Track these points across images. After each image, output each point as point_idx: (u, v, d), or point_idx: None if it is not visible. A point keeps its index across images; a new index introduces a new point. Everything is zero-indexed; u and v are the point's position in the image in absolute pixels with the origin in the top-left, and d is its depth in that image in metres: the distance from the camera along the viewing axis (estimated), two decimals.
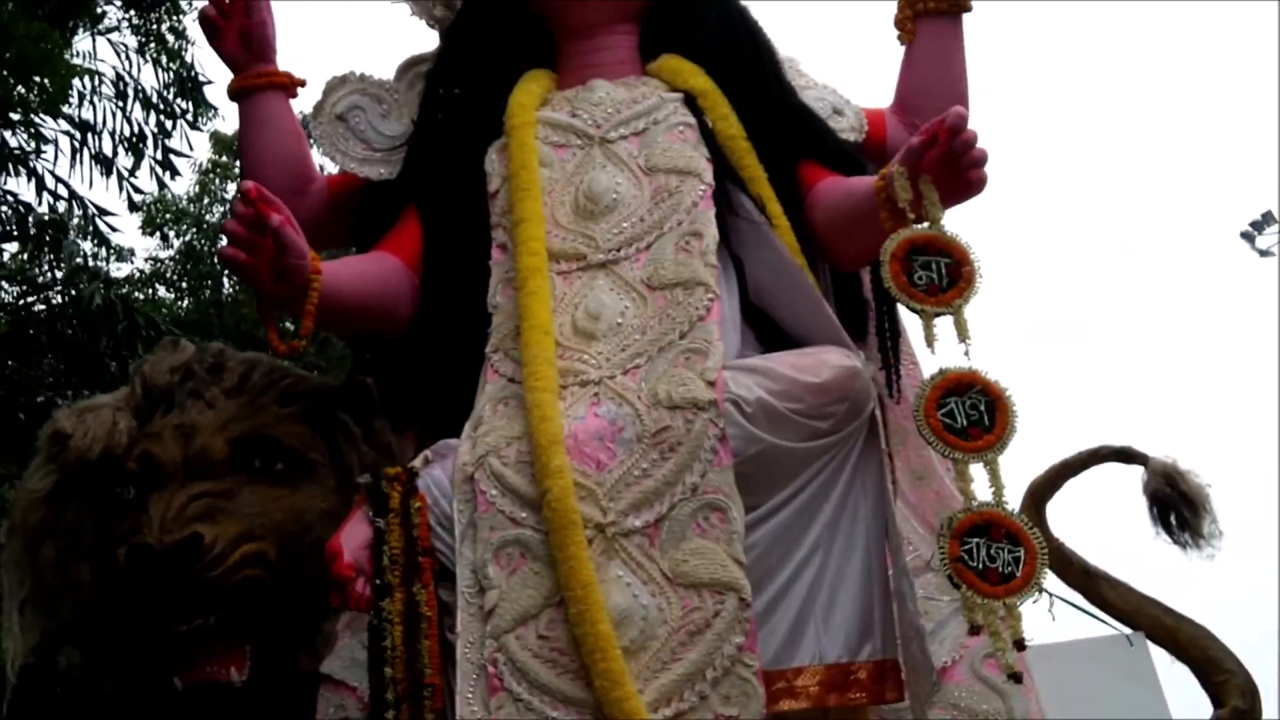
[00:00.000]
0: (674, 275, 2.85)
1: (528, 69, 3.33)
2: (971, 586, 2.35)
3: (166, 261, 15.77)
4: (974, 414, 2.47)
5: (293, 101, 3.45)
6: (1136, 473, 5.00)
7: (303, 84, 3.47)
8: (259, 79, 3.38)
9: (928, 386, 2.48)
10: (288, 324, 3.01)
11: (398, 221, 3.25)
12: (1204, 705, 4.86)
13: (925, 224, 2.62)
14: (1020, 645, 2.37)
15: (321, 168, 3.61)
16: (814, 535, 2.62)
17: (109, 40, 10.52)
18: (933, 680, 2.54)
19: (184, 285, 15.64)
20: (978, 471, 2.45)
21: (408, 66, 3.57)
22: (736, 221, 3.05)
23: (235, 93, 3.43)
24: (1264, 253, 20.32)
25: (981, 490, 2.43)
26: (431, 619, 2.58)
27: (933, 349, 2.54)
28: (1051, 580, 4.94)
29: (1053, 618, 5.18)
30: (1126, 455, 5.08)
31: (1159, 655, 5.20)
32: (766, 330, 2.98)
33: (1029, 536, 2.40)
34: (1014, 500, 2.46)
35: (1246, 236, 20.44)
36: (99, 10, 10.38)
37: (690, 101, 3.19)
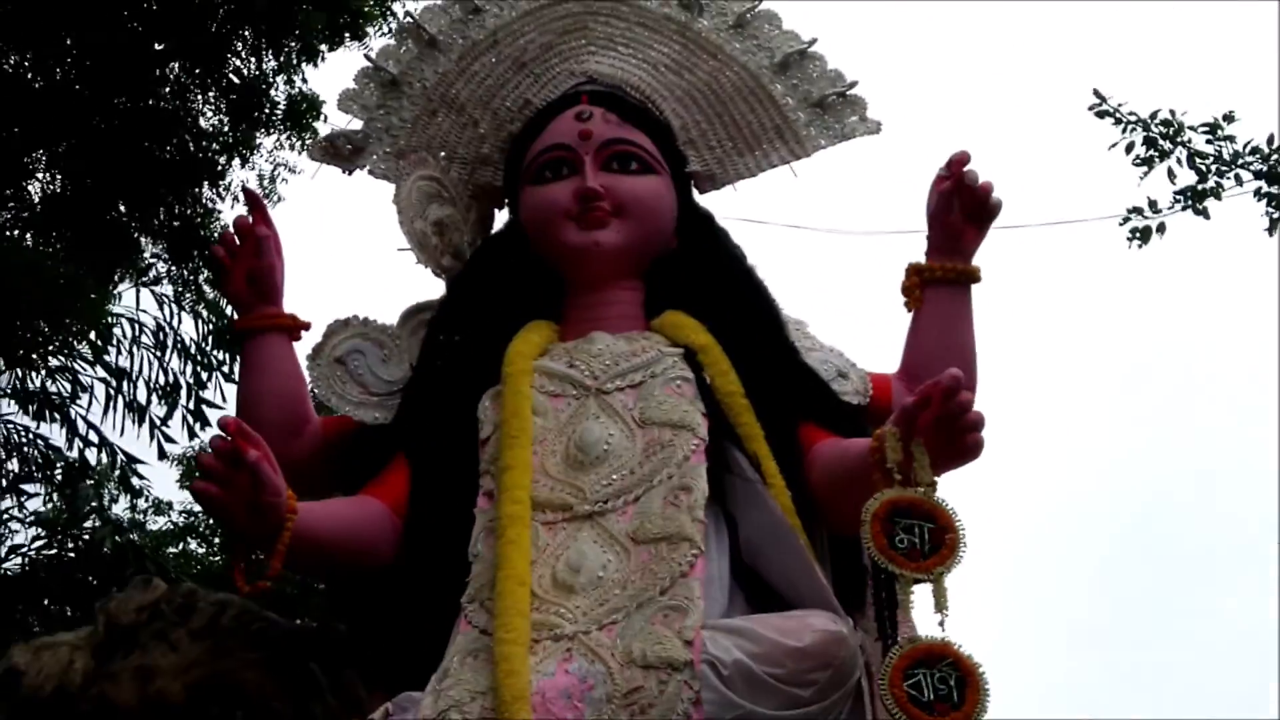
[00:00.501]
0: (660, 529, 2.77)
1: (531, 320, 3.32)
2: None
3: (199, 515, 15.71)
4: (943, 689, 2.34)
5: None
6: None
7: (307, 327, 3.48)
8: (263, 320, 3.38)
9: (895, 654, 2.36)
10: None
11: (386, 466, 3.19)
12: None
13: (915, 488, 2.53)
14: None
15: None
16: None
17: (151, 291, 10.75)
18: None
19: (216, 539, 15.55)
20: None
21: (411, 314, 3.59)
22: (731, 479, 2.98)
23: (239, 333, 3.43)
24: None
25: None
26: None
27: (906, 616, 2.43)
28: None
29: None
30: None
31: None
32: (757, 591, 2.86)
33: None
34: None
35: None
36: (144, 264, 10.65)
37: (690, 357, 3.17)
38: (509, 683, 2.48)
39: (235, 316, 3.50)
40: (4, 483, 9.32)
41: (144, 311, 10.65)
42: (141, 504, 11.27)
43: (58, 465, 9.91)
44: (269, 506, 2.62)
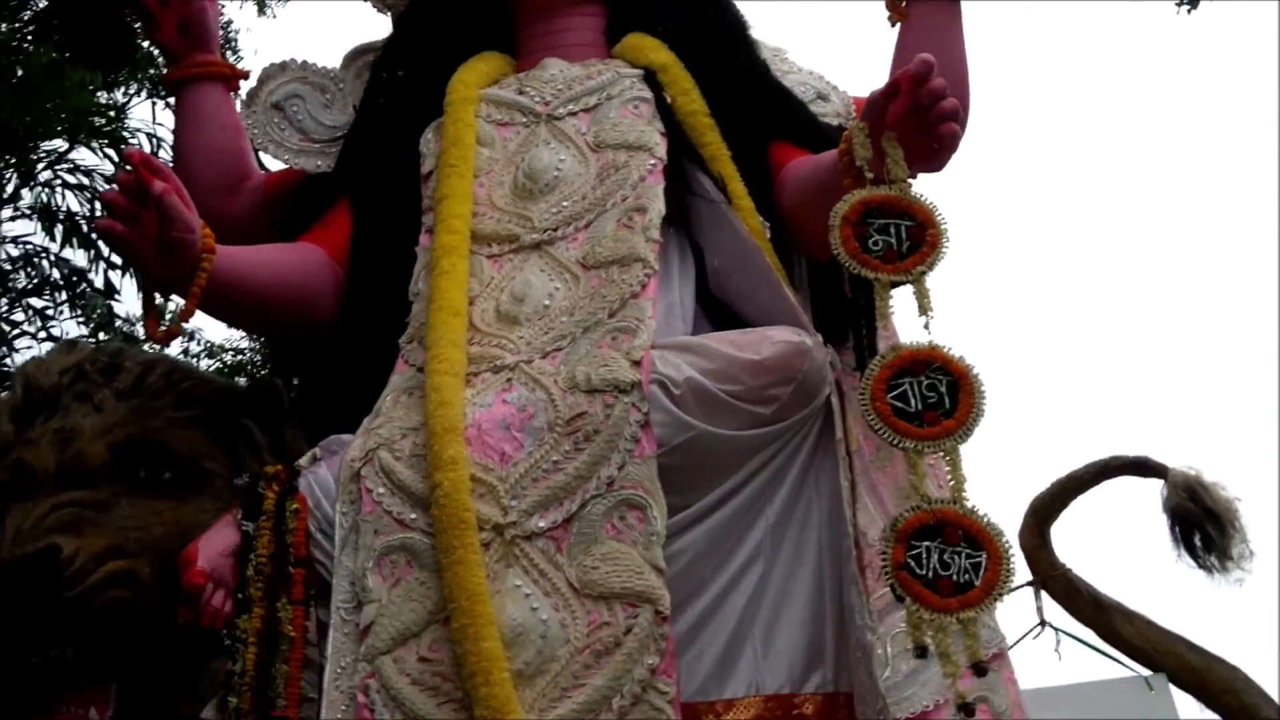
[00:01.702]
0: (611, 252, 2.49)
1: (481, 51, 3.00)
2: (918, 599, 1.91)
3: (251, 352, 15.35)
4: (931, 396, 2.05)
5: None
6: (1155, 487, 4.28)
7: (245, 75, 3.20)
8: (196, 69, 3.09)
9: (877, 364, 2.07)
10: None
11: (328, 212, 2.92)
12: None
13: (887, 185, 2.22)
14: (980, 670, 1.93)
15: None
16: (754, 542, 2.22)
17: (168, 104, 10.35)
18: (879, 711, 2.08)
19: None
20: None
21: (355, 55, 3.28)
22: (695, 202, 2.69)
23: (171, 84, 3.14)
24: None
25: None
26: (295, 640, 2.19)
27: (884, 323, 2.15)
28: (1058, 614, 4.25)
29: (1059, 657, 4.38)
30: (1142, 467, 4.35)
31: (1183, 701, 4.24)
32: (726, 325, 2.58)
33: (993, 538, 1.96)
34: (983, 499, 2.02)
35: None
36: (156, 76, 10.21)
37: (650, 77, 2.84)
38: (440, 414, 2.24)
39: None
40: (11, 295, 9.06)
41: (161, 125, 10.22)
42: (194, 348, 10.91)
43: (80, 286, 9.63)
44: (180, 244, 2.34)
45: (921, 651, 1.90)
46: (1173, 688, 4.19)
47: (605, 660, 2.05)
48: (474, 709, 1.99)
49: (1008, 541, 1.98)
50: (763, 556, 2.22)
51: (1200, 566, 4.15)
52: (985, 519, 1.98)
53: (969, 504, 1.99)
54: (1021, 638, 4.31)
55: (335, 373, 2.75)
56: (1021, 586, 4.35)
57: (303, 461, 2.42)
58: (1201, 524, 4.10)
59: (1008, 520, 4.48)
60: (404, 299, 2.65)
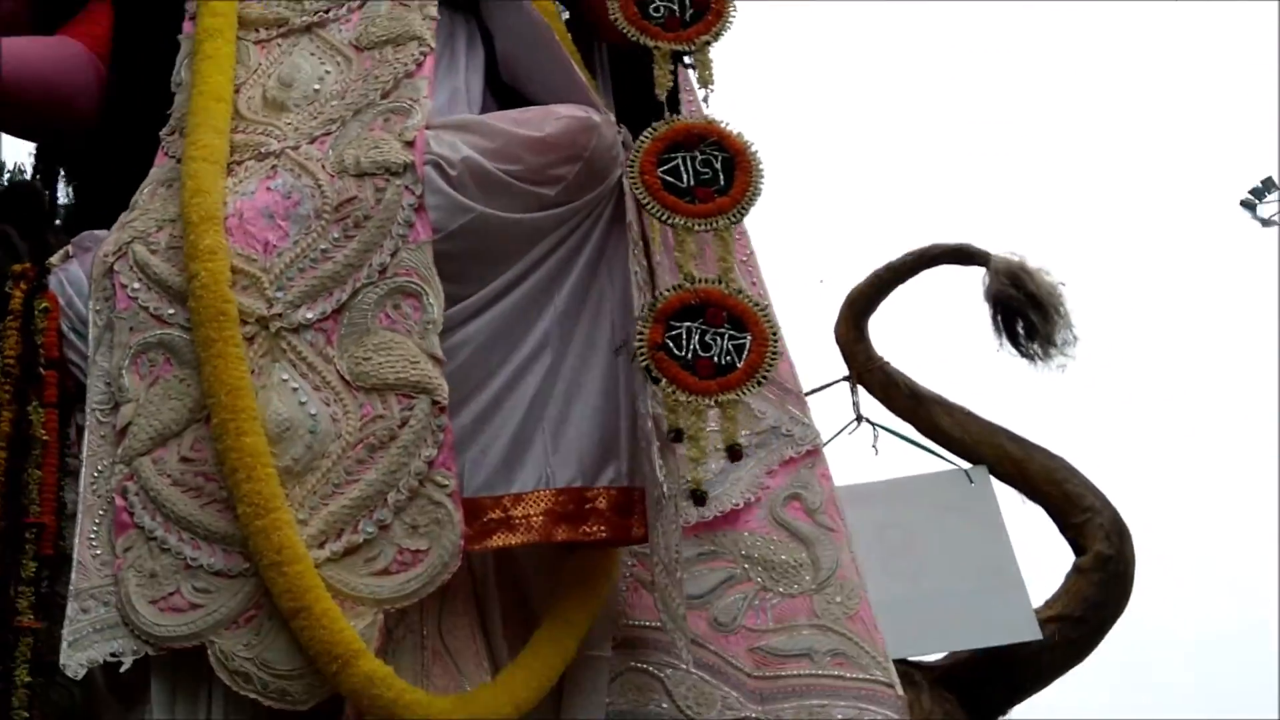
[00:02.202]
0: (385, 31, 2.32)
1: None
2: (675, 381, 1.83)
3: None
4: (705, 172, 1.96)
5: None
6: (976, 275, 4.22)
7: None
8: None
9: (649, 136, 1.97)
10: None
11: (88, 4, 2.67)
12: (1062, 551, 4.06)
13: None
14: (735, 453, 1.87)
15: None
16: (542, 330, 2.11)
17: None
18: (660, 500, 2.01)
19: None
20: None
21: None
22: None
23: None
24: (1266, 222, 19.50)
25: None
26: (50, 444, 2.04)
27: (662, 94, 2.03)
28: (875, 408, 4.23)
29: (876, 452, 4.30)
30: (963, 255, 4.29)
31: (1004, 492, 4.16)
32: None
33: (758, 320, 1.89)
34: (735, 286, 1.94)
35: (1247, 205, 19.64)
36: None
37: None
38: (196, 202, 2.07)
39: None
40: None
41: None
42: None
43: None
44: None
45: (677, 435, 1.84)
46: (993, 479, 4.16)
47: (379, 454, 1.94)
48: (237, 507, 1.88)
49: (774, 323, 1.91)
50: (551, 346, 2.11)
51: (1023, 354, 4.13)
52: (751, 300, 1.91)
53: (735, 285, 1.91)
54: (837, 434, 4.22)
55: (99, 173, 2.55)
56: (837, 381, 4.29)
57: (54, 259, 2.24)
58: (1024, 310, 4.07)
59: (825, 313, 4.41)
60: (168, 92, 2.45)
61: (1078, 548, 3.94)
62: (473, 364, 2.06)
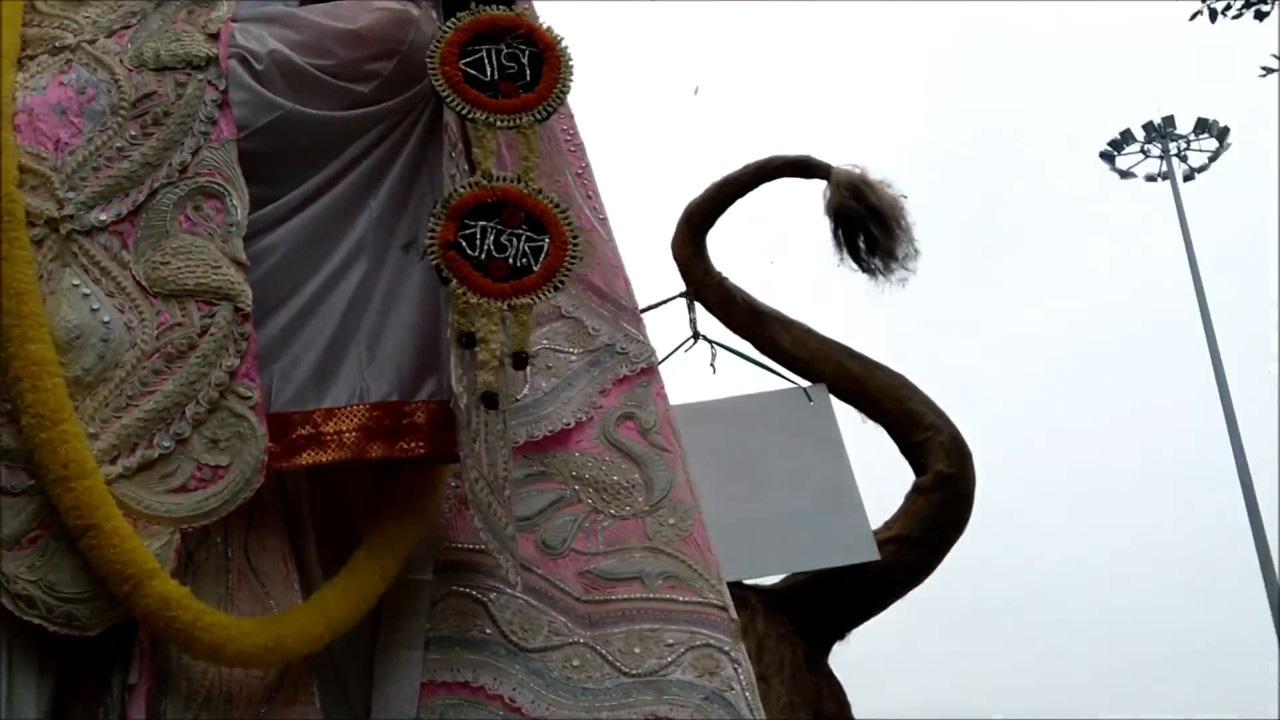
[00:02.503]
0: None
1: None
2: (465, 281, 1.75)
3: None
4: (511, 67, 1.86)
5: None
6: (817, 188, 4.14)
7: None
8: None
9: (451, 26, 1.86)
10: None
11: None
12: (902, 471, 4.01)
13: None
14: (520, 361, 1.81)
15: None
16: (357, 236, 2.00)
17: None
18: (469, 412, 1.93)
19: None
20: None
21: None
22: None
23: None
24: (1124, 174, 19.77)
25: None
26: None
27: None
28: (713, 326, 4.15)
29: (714, 370, 4.18)
30: (804, 167, 4.20)
31: (844, 411, 4.09)
32: None
33: (558, 221, 1.82)
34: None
35: (1106, 156, 19.82)
36: None
37: None
38: None
39: None
40: None
41: None
42: None
43: None
44: None
45: (468, 340, 1.76)
46: (833, 398, 4.08)
47: (177, 364, 1.82)
48: (21, 419, 1.74)
49: (575, 226, 1.84)
50: (367, 253, 2.01)
51: (864, 269, 4.08)
52: (551, 200, 1.83)
53: (535, 184, 1.83)
54: (673, 351, 4.14)
55: None
56: (674, 297, 4.18)
57: None
58: (865, 223, 4.02)
59: (662, 229, 4.31)
60: None
61: (918, 467, 3.91)
62: (282, 270, 1.94)
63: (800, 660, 3.49)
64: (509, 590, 2.22)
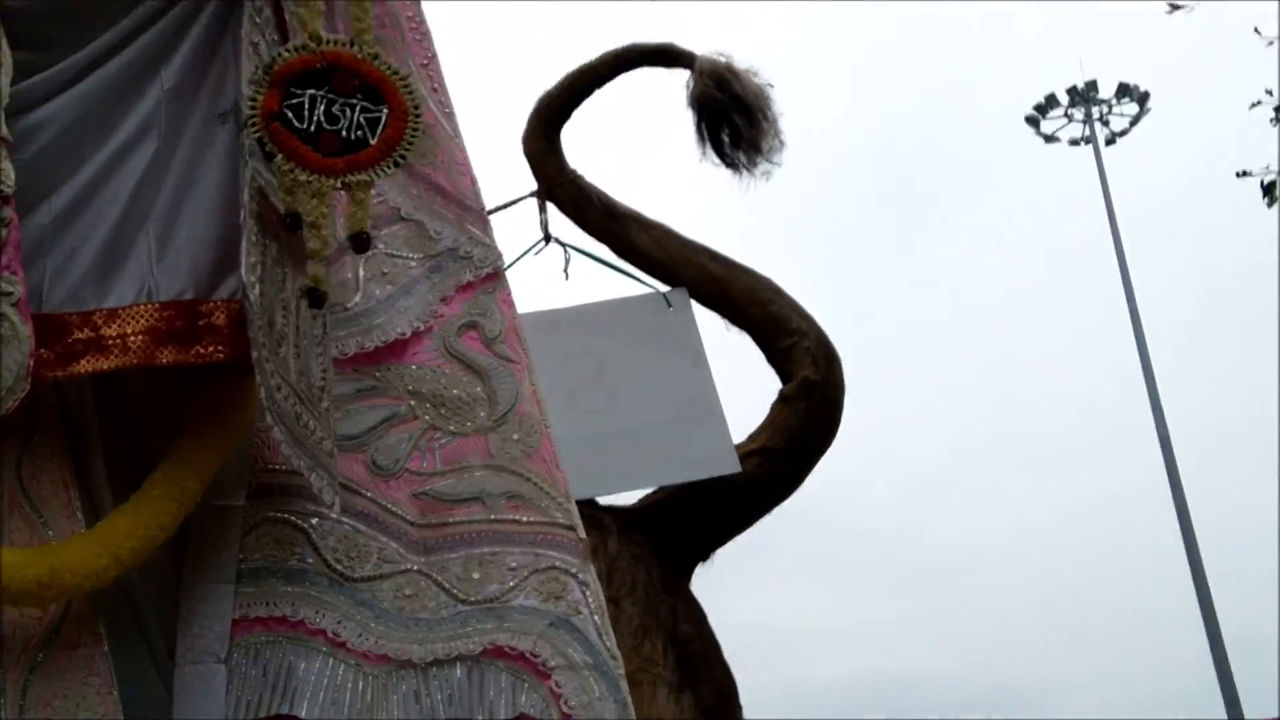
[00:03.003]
0: None
1: None
2: (293, 156, 1.53)
3: None
4: None
5: None
6: (680, 78, 3.85)
7: None
8: None
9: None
10: None
11: None
12: (767, 377, 3.70)
13: None
14: (361, 243, 1.64)
15: None
16: (146, 110, 1.78)
17: None
18: (268, 308, 1.69)
19: None
20: None
21: None
22: None
23: None
24: (1049, 138, 19.68)
25: None
26: None
27: None
28: (566, 227, 3.86)
29: (566, 276, 3.84)
30: (665, 55, 3.90)
31: (706, 317, 3.80)
32: None
33: (396, 90, 1.62)
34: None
35: (1031, 121, 19.67)
36: None
37: None
38: None
39: None
40: None
41: None
42: None
43: None
44: None
45: (294, 221, 1.53)
46: (694, 303, 3.81)
47: None
48: None
49: (416, 94, 1.63)
50: (157, 130, 1.76)
51: (727, 163, 3.82)
52: (389, 67, 1.61)
53: (371, 48, 1.60)
54: (522, 255, 3.81)
55: None
56: (525, 197, 3.84)
57: None
58: (730, 114, 3.74)
59: (513, 124, 3.98)
60: None
61: (784, 374, 3.67)
62: (55, 150, 1.69)
63: (655, 582, 3.26)
64: (333, 515, 2.01)
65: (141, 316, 1.69)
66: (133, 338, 1.67)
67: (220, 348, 1.72)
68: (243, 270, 1.63)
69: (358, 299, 2.24)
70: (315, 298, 1.59)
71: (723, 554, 3.54)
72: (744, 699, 3.30)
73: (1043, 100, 19.67)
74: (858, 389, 3.74)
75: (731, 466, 3.43)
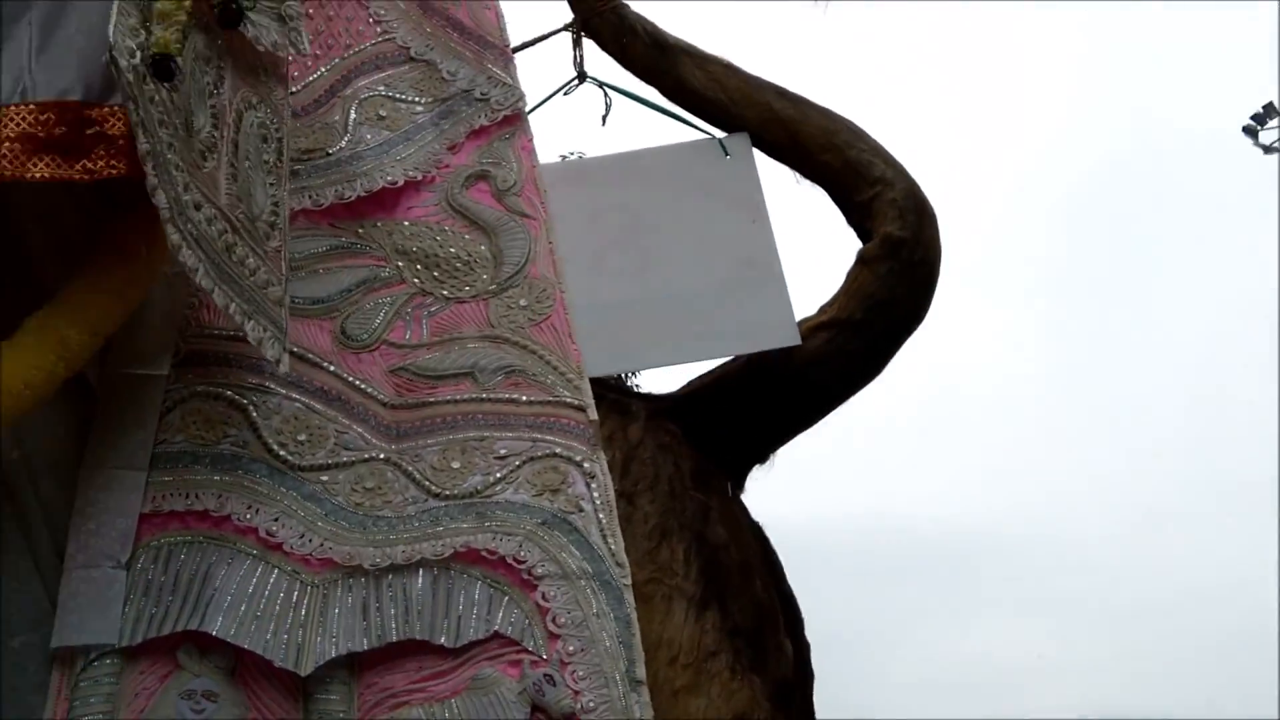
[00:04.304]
0: None
1: None
2: None
3: None
4: None
5: None
6: None
7: None
8: None
9: None
10: None
11: None
12: (845, 239, 2.98)
13: None
14: (229, 16, 1.38)
15: None
16: None
17: None
18: (136, 90, 1.32)
19: None
20: None
21: None
22: None
23: None
24: (1268, 149, 18.71)
25: None
26: None
27: None
28: (605, 65, 3.27)
29: (603, 122, 3.12)
30: None
31: (768, 166, 3.10)
32: None
33: None
34: None
35: (1249, 131, 18.71)
36: None
37: None
38: None
39: None
40: None
41: None
42: None
43: None
44: None
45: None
46: (756, 151, 3.07)
47: None
48: None
49: None
50: None
51: None
52: None
53: None
54: (550, 95, 3.11)
55: None
56: (557, 31, 3.19)
57: None
58: None
59: None
60: None
61: (863, 233, 3.02)
62: None
63: (685, 475, 2.68)
64: (280, 391, 1.67)
65: (14, 119, 1.33)
66: (2, 145, 1.32)
67: (114, 163, 1.35)
68: (110, 28, 1.28)
69: (343, 143, 1.93)
70: (161, 70, 1.25)
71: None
72: None
73: (1261, 110, 18.32)
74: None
75: (790, 339, 2.83)
